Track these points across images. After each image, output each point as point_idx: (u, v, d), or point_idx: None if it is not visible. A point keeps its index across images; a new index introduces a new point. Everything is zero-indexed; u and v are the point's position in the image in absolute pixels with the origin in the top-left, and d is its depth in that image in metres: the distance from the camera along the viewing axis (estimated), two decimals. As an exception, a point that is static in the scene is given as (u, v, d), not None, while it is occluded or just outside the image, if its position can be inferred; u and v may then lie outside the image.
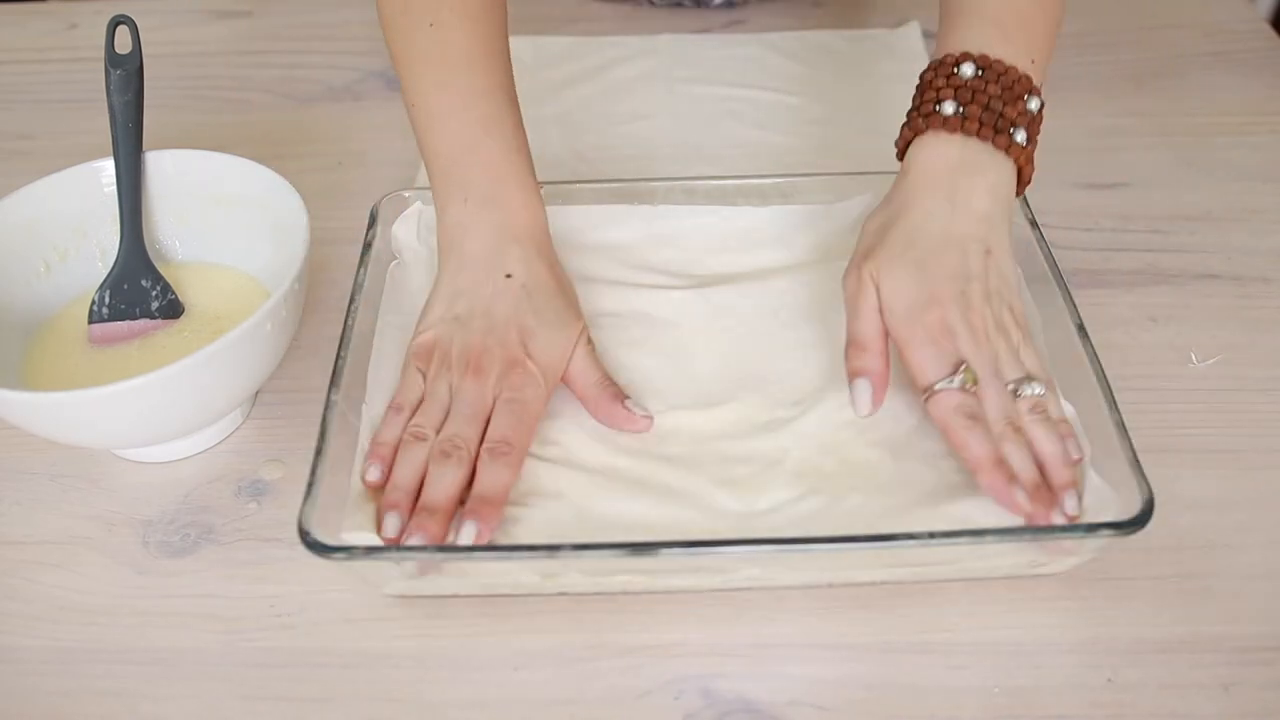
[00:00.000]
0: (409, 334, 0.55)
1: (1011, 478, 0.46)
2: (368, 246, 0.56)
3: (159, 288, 0.56)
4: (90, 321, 0.55)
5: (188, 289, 0.57)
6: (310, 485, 0.44)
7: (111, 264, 0.56)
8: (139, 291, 0.56)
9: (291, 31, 0.85)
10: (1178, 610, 0.47)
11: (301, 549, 0.42)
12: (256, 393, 0.56)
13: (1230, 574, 0.48)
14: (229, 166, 0.57)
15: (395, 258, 0.59)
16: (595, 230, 0.60)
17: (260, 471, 0.53)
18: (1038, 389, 0.48)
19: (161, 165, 0.58)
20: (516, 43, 0.81)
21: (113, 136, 0.56)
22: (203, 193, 0.58)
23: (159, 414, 0.48)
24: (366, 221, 0.58)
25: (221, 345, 0.47)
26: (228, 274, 0.58)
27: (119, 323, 0.55)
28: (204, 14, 0.87)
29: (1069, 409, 0.49)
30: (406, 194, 0.60)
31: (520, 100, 0.76)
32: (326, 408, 0.48)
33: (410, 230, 0.59)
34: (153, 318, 0.55)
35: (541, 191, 0.59)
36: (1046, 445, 0.47)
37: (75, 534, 0.51)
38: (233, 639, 0.47)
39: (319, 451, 0.46)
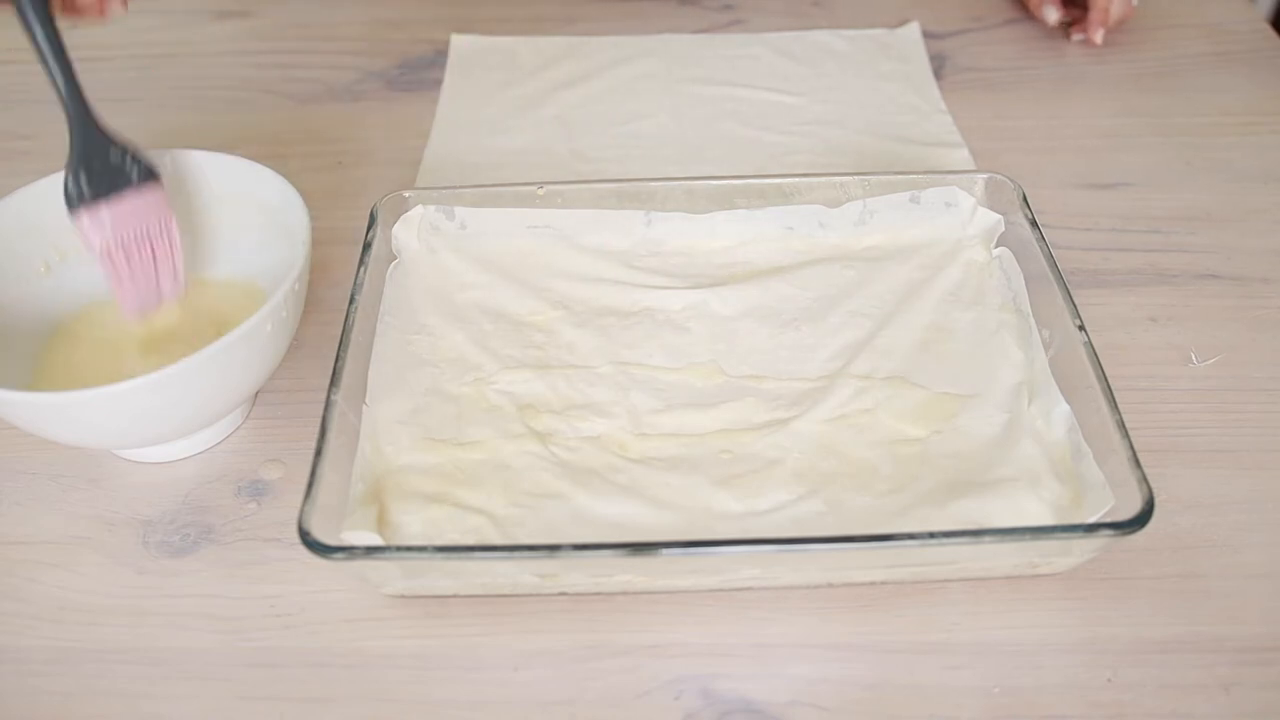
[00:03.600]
0: (409, 334, 0.56)
1: None
2: (368, 246, 0.56)
3: (125, 157, 0.53)
4: (73, 208, 0.52)
5: (187, 291, 0.57)
6: (310, 485, 0.44)
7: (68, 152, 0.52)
8: (109, 169, 0.52)
9: (291, 31, 0.85)
10: (1178, 610, 0.47)
11: (301, 549, 0.42)
12: (256, 393, 0.56)
13: (1230, 574, 0.48)
14: (229, 166, 0.57)
15: (395, 258, 0.59)
16: (595, 232, 0.60)
17: (260, 471, 0.53)
18: None
19: (162, 166, 0.57)
20: (517, 43, 0.82)
21: (22, 19, 0.50)
22: (203, 193, 0.58)
23: (159, 414, 0.48)
24: (366, 221, 0.58)
25: (221, 345, 0.47)
26: (227, 275, 0.58)
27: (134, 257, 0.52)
28: (204, 14, 0.87)
29: (1066, 410, 0.49)
30: (406, 194, 0.60)
31: (520, 100, 0.77)
32: (326, 408, 0.47)
33: (410, 231, 0.59)
34: (135, 186, 0.53)
35: (541, 192, 0.59)
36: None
37: (75, 534, 0.51)
38: (233, 639, 0.47)
39: (319, 451, 0.46)
